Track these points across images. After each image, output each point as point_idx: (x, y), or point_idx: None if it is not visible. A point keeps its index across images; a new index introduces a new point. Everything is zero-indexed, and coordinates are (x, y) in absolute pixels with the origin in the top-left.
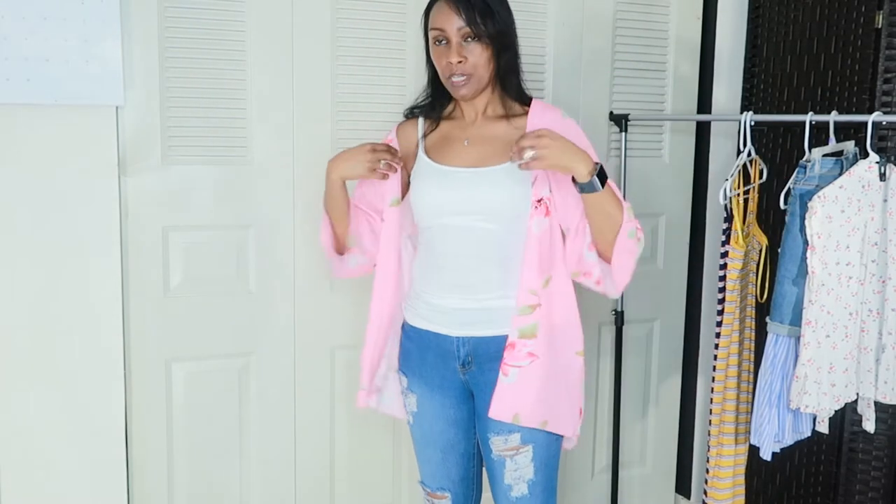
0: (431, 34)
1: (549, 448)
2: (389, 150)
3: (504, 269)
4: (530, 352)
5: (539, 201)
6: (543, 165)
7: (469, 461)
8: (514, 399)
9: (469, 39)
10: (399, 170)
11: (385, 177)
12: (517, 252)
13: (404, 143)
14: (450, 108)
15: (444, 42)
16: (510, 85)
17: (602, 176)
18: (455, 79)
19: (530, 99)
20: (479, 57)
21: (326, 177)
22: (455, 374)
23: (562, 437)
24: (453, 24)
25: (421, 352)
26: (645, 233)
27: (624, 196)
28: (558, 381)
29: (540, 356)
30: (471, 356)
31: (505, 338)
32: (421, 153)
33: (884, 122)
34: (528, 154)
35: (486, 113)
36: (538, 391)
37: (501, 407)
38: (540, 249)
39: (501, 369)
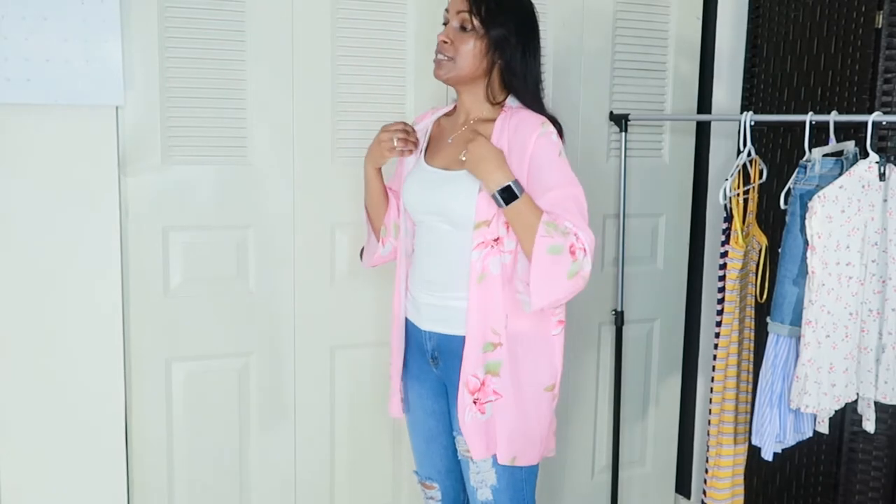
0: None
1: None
2: (402, 127)
3: (465, 273)
4: (494, 390)
5: (496, 240)
6: (465, 167)
7: (454, 454)
8: (489, 436)
9: (465, 28)
10: (419, 147)
11: (406, 153)
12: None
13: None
14: (452, 106)
15: (445, 23)
16: (507, 89)
17: (510, 194)
18: (438, 55)
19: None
20: (466, 48)
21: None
22: (429, 366)
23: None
24: (456, 6)
25: (407, 341)
26: (645, 233)
27: (624, 196)
28: (528, 417)
29: (503, 395)
30: (437, 351)
31: (463, 338)
32: (422, 149)
33: (884, 122)
34: (462, 154)
35: (476, 115)
36: (509, 429)
37: (481, 446)
38: (502, 287)
39: (477, 408)
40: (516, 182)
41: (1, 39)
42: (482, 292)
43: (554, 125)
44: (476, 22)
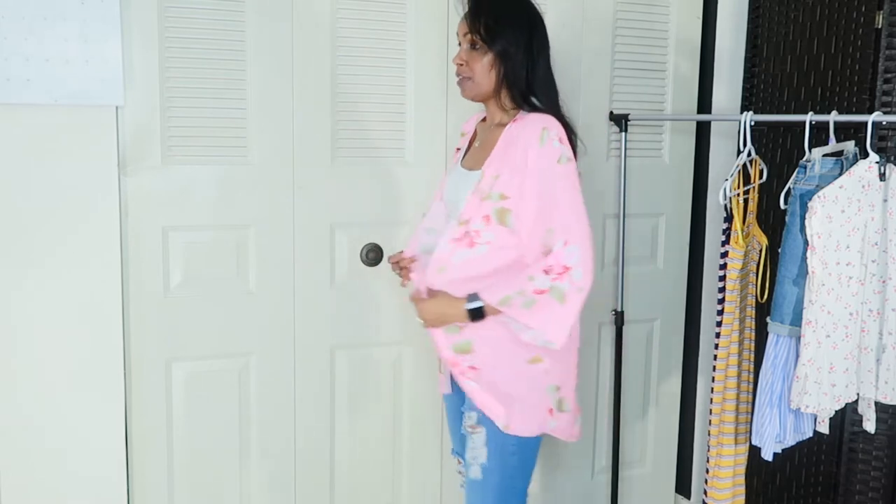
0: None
1: (504, 439)
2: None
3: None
4: (470, 365)
5: (466, 233)
6: (430, 326)
7: None
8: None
9: (475, 47)
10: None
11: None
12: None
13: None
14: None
15: (459, 44)
16: (513, 96)
17: (478, 313)
18: (458, 77)
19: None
20: (479, 64)
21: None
22: None
23: (523, 438)
24: (462, 28)
25: None
26: (645, 233)
27: (624, 196)
28: (518, 387)
29: (481, 367)
30: None
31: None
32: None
33: (884, 122)
34: (419, 322)
35: (495, 121)
36: (497, 397)
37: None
38: (465, 281)
39: (463, 379)
40: (471, 302)
41: (1, 39)
42: (441, 282)
43: (565, 129)
44: (479, 39)
